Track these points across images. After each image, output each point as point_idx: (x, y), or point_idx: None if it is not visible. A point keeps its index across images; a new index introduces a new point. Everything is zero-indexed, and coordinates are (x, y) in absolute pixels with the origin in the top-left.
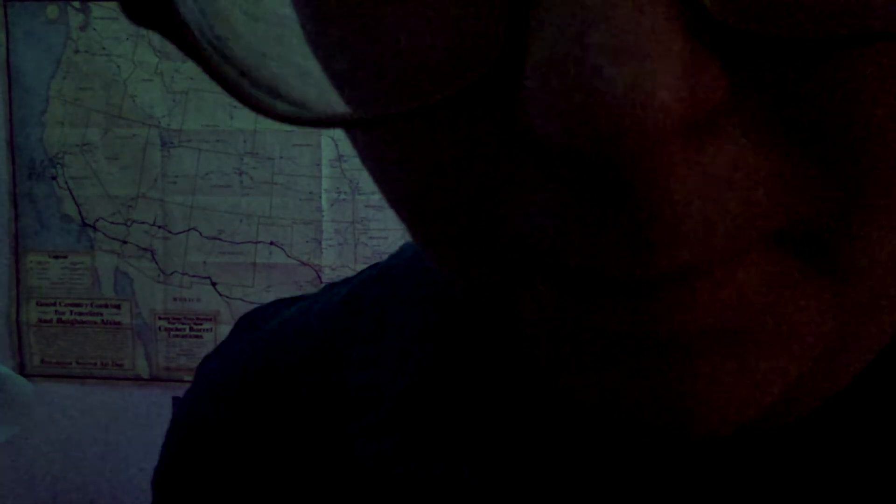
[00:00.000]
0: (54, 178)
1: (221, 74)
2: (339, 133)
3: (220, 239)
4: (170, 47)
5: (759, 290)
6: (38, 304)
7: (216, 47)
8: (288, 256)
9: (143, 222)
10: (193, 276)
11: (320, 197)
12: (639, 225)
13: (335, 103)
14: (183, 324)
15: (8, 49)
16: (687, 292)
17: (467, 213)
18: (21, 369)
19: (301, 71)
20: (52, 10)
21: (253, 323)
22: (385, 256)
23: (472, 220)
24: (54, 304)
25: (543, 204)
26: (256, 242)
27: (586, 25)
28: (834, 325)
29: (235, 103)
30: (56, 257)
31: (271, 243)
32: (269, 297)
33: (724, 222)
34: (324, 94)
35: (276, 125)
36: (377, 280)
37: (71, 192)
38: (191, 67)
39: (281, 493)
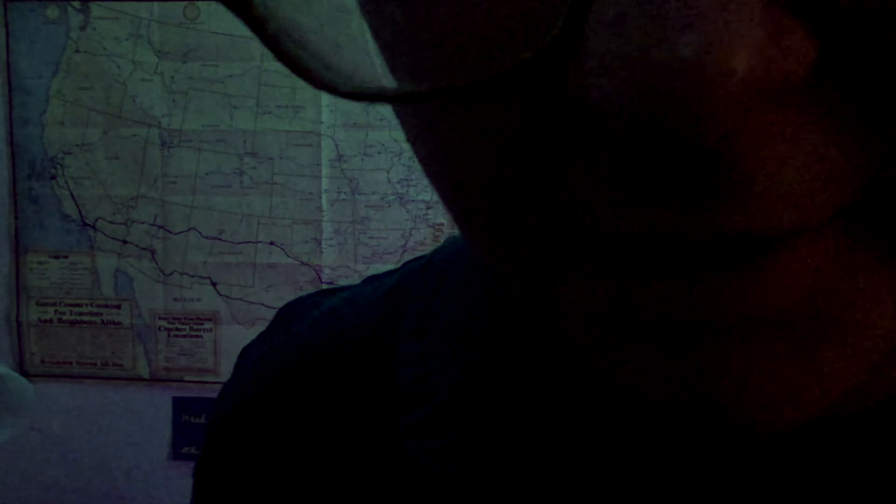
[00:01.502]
0: (54, 177)
1: (282, 50)
2: (339, 133)
3: (220, 239)
4: (170, 47)
5: (832, 274)
6: (38, 304)
7: (274, 24)
8: (288, 256)
9: (143, 222)
10: (193, 276)
11: (320, 197)
12: (709, 186)
13: (386, 78)
14: (183, 324)
15: (8, 49)
16: (754, 269)
17: (517, 187)
18: (21, 369)
19: (351, 47)
20: (52, 10)
21: (295, 313)
22: (385, 256)
23: (521, 194)
24: (54, 304)
25: (602, 174)
26: (256, 242)
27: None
28: None
29: (235, 103)
30: (56, 257)
31: (271, 243)
32: (269, 297)
33: (798, 189)
34: (374, 69)
35: (276, 125)
36: (421, 274)
37: (71, 192)
38: (191, 67)
39: (325, 486)
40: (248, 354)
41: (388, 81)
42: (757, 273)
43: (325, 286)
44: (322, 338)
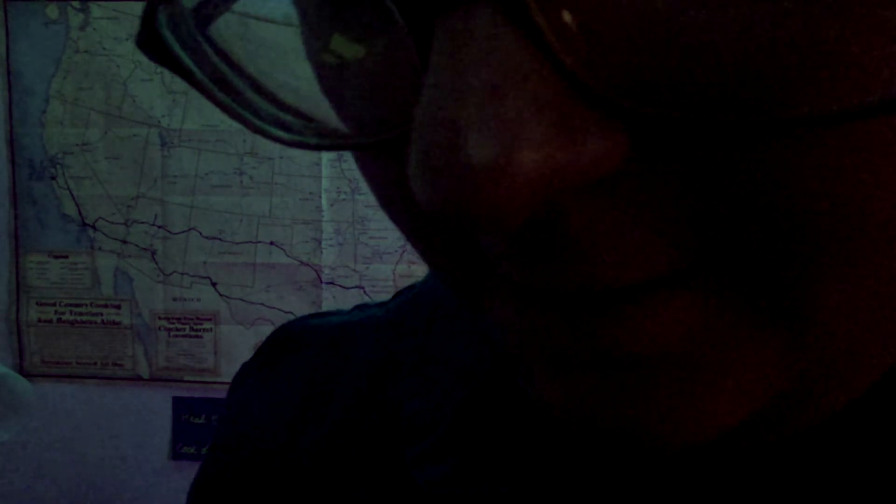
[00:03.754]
0: (54, 178)
1: (225, 105)
2: None
3: (220, 239)
4: None
5: (693, 325)
6: (38, 304)
7: (217, 78)
8: (288, 256)
9: (143, 222)
10: (193, 276)
11: (320, 197)
12: (545, 251)
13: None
14: (183, 324)
15: (8, 49)
16: (621, 315)
17: (427, 226)
18: (21, 369)
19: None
20: (52, 10)
21: (291, 340)
22: (385, 256)
23: (433, 230)
24: (54, 304)
25: None
26: (256, 242)
27: (449, 105)
28: (790, 368)
29: None
30: (56, 257)
31: (271, 243)
32: (269, 297)
33: (630, 249)
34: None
35: None
36: (412, 307)
37: (71, 192)
38: None
39: None
40: (246, 379)
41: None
42: (622, 317)
43: (325, 286)
44: (324, 371)
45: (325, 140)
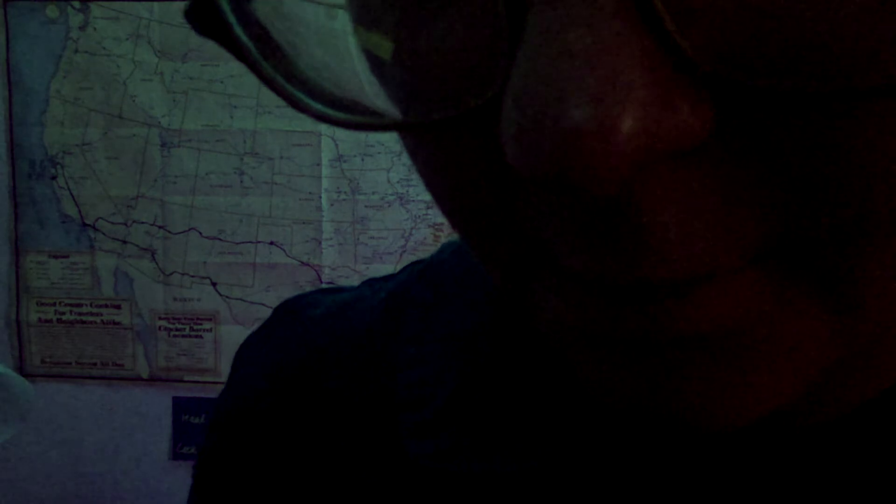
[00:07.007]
0: (54, 178)
1: (272, 81)
2: (339, 133)
3: (220, 239)
4: (170, 47)
5: (760, 303)
6: (38, 304)
7: (264, 54)
8: (288, 256)
9: (143, 222)
10: (193, 276)
11: (320, 197)
12: (620, 239)
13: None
14: (183, 324)
15: (8, 49)
16: (682, 300)
17: (486, 209)
18: (21, 369)
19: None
20: (52, 10)
21: (295, 311)
22: (385, 257)
23: (493, 217)
24: (54, 304)
25: (545, 210)
26: (256, 242)
27: (553, 67)
28: (839, 348)
29: (235, 103)
30: (56, 257)
31: (271, 243)
32: (269, 297)
33: (699, 241)
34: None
35: (276, 125)
36: (419, 279)
37: (71, 192)
38: (191, 67)
39: (327, 486)
40: (247, 351)
41: (380, 102)
42: (687, 302)
43: (324, 286)
44: (324, 339)
45: (385, 120)
